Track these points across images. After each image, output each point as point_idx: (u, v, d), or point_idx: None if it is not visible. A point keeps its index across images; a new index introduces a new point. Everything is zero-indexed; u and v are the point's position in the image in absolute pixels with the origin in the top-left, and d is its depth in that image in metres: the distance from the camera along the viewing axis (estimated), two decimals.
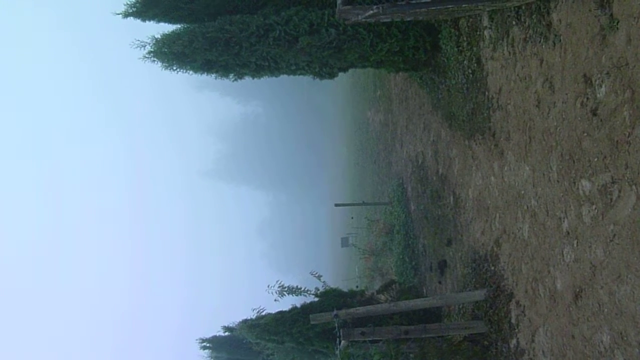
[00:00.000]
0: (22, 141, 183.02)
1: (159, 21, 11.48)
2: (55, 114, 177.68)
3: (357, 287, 18.34)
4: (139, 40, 10.69)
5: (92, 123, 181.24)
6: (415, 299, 10.44)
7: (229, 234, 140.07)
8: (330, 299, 11.89)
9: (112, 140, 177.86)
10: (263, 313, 12.42)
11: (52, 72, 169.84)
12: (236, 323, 13.53)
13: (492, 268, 8.82)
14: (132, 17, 11.33)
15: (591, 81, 5.70)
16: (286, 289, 12.67)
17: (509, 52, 7.88)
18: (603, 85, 5.47)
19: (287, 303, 12.34)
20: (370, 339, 9.27)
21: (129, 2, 11.18)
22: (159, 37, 10.72)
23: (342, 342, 9.32)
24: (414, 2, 6.81)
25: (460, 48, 9.91)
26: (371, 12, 6.96)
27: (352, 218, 31.88)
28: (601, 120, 5.53)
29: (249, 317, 12.60)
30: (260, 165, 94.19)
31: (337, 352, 9.69)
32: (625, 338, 5.25)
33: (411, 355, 9.44)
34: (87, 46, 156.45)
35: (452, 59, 10.41)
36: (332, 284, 13.78)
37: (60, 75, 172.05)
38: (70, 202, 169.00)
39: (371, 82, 25.87)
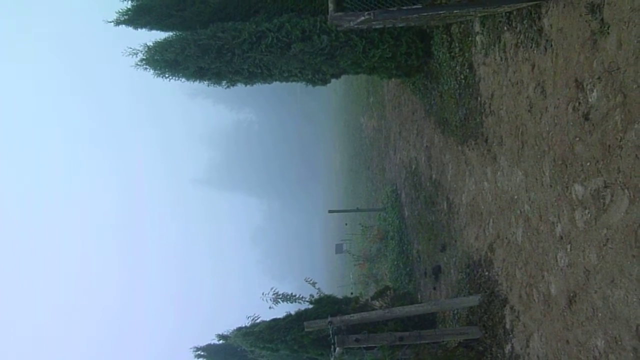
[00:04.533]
0: (18, 146, 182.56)
1: (151, 29, 11.46)
2: (47, 123, 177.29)
3: (351, 293, 18.32)
4: (131, 48, 10.69)
5: (84, 132, 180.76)
6: (410, 305, 10.40)
7: (222, 241, 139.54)
8: (324, 306, 11.85)
9: (103, 147, 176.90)
10: (257, 321, 12.37)
11: (42, 80, 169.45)
12: (230, 331, 13.46)
13: (486, 273, 8.81)
14: (124, 25, 11.31)
15: (583, 86, 5.72)
16: (280, 297, 12.62)
17: (501, 58, 7.91)
18: (595, 90, 5.49)
19: (282, 310, 12.30)
20: (364, 345, 9.23)
21: (120, 10, 11.17)
22: (151, 44, 10.72)
23: (337, 349, 9.28)
24: (405, 8, 6.81)
25: (453, 54, 9.95)
26: (363, 18, 6.96)
27: (347, 224, 31.83)
28: (593, 125, 5.55)
29: (243, 325, 12.55)
30: (254, 173, 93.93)
31: (332, 359, 9.65)
32: (619, 342, 5.24)
33: None
34: (77, 54, 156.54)
35: (444, 64, 10.44)
36: (327, 291, 13.73)
37: (52, 84, 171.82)
38: (61, 209, 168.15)
39: (364, 89, 25.91)
